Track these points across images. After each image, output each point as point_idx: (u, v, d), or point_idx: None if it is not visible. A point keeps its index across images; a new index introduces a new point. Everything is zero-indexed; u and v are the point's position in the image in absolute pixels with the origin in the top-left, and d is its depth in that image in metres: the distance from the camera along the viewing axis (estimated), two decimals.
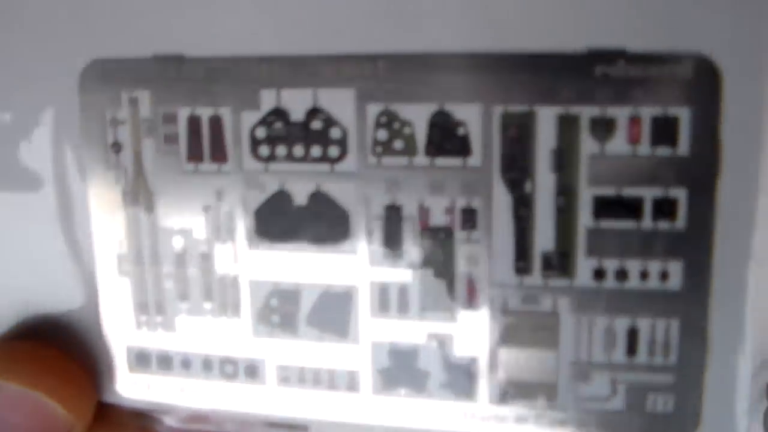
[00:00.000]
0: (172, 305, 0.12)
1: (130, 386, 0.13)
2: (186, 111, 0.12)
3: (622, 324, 0.11)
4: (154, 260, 0.12)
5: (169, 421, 0.13)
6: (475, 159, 0.11)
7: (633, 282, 0.11)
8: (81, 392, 0.13)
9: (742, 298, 0.11)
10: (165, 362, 0.13)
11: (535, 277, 0.11)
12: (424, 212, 0.11)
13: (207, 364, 0.12)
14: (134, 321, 0.13)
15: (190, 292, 0.12)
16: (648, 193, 0.11)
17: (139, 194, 0.12)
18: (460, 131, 0.11)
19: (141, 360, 0.13)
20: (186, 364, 0.12)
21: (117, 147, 0.12)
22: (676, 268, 0.11)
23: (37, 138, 0.12)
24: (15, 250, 0.13)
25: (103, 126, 0.12)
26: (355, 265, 0.12)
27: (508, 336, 0.11)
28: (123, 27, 0.12)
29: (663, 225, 0.11)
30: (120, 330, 0.13)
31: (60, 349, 0.13)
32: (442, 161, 0.11)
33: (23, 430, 0.12)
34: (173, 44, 0.12)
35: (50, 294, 0.13)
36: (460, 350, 0.11)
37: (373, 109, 0.11)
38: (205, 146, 0.12)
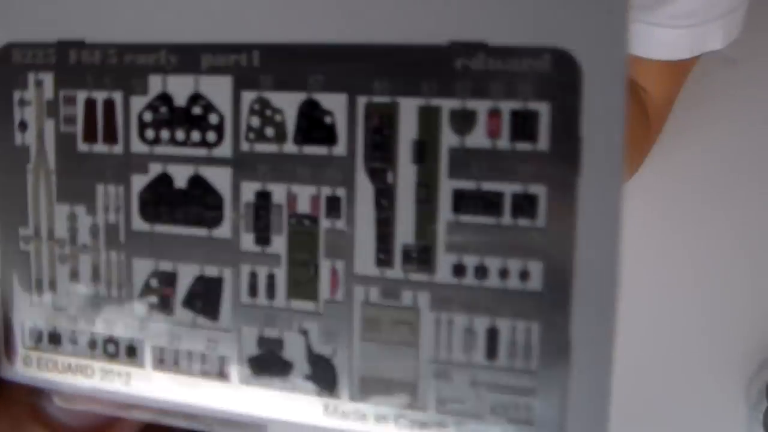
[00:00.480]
0: (65, 283, 0.13)
1: (22, 362, 0.14)
2: (84, 94, 0.12)
3: (482, 323, 0.11)
4: (50, 237, 0.13)
5: (58, 400, 0.13)
6: (340, 148, 0.11)
7: (493, 280, 0.11)
8: None
9: (607, 301, 0.10)
10: (55, 339, 0.13)
11: (396, 271, 0.11)
12: (292, 199, 0.11)
13: (92, 343, 0.13)
14: (29, 298, 0.13)
15: (81, 270, 0.13)
16: (508, 189, 0.10)
17: (40, 172, 0.13)
18: (327, 120, 0.11)
19: (33, 336, 0.13)
20: (73, 341, 0.13)
21: (23, 126, 0.13)
22: (536, 268, 0.10)
23: None
24: None
25: (11, 106, 0.13)
26: (227, 249, 0.12)
27: (368, 330, 0.11)
28: (33, 13, 0.12)
29: (523, 222, 0.10)
30: (16, 306, 0.13)
31: None
32: (309, 149, 0.11)
33: None
34: (77, 30, 0.12)
35: None
36: (323, 342, 0.12)
37: (248, 97, 0.11)
38: (99, 128, 0.12)
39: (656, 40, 0.31)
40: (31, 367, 0.13)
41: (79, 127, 0.12)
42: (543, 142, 0.10)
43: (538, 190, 0.10)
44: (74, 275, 0.13)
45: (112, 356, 0.13)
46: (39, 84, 0.13)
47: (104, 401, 0.13)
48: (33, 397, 0.13)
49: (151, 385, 0.13)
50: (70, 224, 0.13)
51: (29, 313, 0.13)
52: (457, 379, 0.11)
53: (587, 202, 0.10)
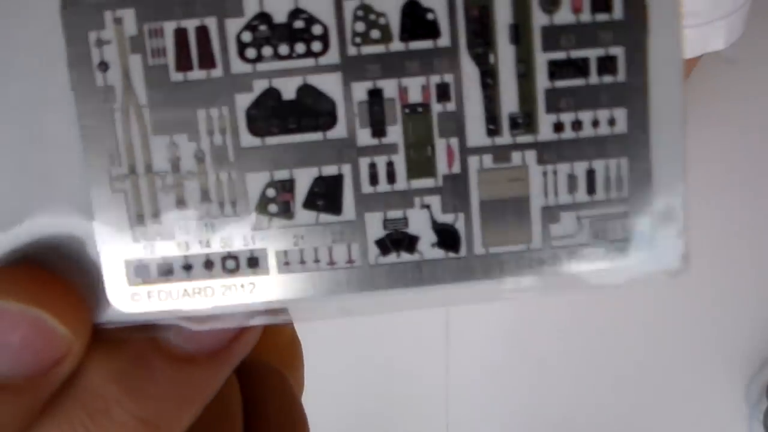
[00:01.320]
0: (170, 212, 0.19)
1: (130, 300, 0.19)
2: (172, 24, 0.18)
3: (581, 167, 0.19)
4: (147, 171, 0.19)
5: (181, 323, 0.19)
6: (444, 40, 0.18)
7: (587, 130, 0.18)
8: (78, 311, 0.19)
9: (677, 135, 0.18)
10: (165, 270, 0.19)
11: (505, 137, 0.19)
12: (403, 91, 0.18)
13: (208, 264, 0.19)
14: (130, 235, 0.19)
15: (188, 196, 0.19)
16: (592, 53, 0.18)
17: (129, 109, 0.18)
18: (430, 17, 0.18)
19: (140, 272, 0.19)
20: (187, 267, 0.19)
21: (104, 66, 0.18)
22: (621, 115, 0.18)
23: (22, 65, 0.18)
24: (7, 175, 0.19)
25: (87, 48, 0.18)
26: (345, 147, 0.18)
27: (485, 192, 0.19)
28: None
29: (607, 79, 0.18)
30: (116, 246, 0.19)
31: (55, 270, 0.19)
32: (415, 44, 0.18)
33: (22, 349, 0.18)
34: None
35: (43, 216, 0.19)
36: (446, 212, 0.19)
37: (350, 5, 0.18)
38: (193, 56, 0.18)
39: None
40: (141, 303, 0.19)
41: (171, 58, 0.18)
42: (617, 12, 0.18)
43: (617, 51, 0.18)
44: (181, 202, 0.19)
45: (233, 271, 0.19)
46: (118, 21, 0.18)
47: (228, 317, 0.19)
48: (150, 331, 0.19)
49: (278, 289, 0.19)
50: (170, 154, 0.19)
51: (131, 250, 0.19)
52: (565, 217, 0.19)
53: (656, 56, 0.18)
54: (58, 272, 0.20)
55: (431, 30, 0.19)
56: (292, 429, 0.28)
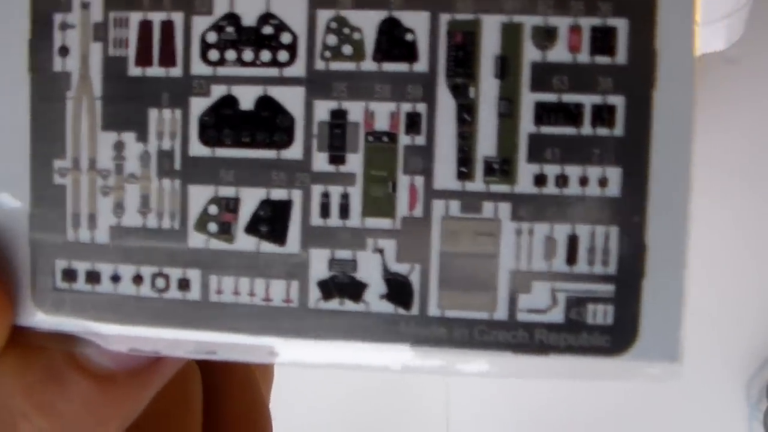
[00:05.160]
0: (107, 216, 0.19)
1: (52, 306, 0.19)
2: (138, 15, 0.18)
3: (562, 231, 0.17)
4: (91, 167, 0.19)
5: (98, 340, 0.19)
6: (421, 65, 0.18)
7: (573, 188, 0.17)
8: None
9: (681, 203, 0.17)
10: (93, 278, 0.19)
11: (478, 183, 0.17)
12: (369, 116, 0.18)
13: (137, 279, 0.19)
14: (64, 234, 0.19)
15: (127, 202, 0.19)
16: (588, 100, 0.17)
17: (82, 99, 0.19)
18: (409, 37, 0.17)
19: (67, 277, 0.19)
20: (115, 278, 0.19)
21: (64, 51, 0.19)
22: (614, 175, 0.17)
23: None
24: None
25: (51, 30, 0.18)
26: (298, 171, 0.18)
27: (448, 244, 0.18)
28: None
29: (602, 131, 0.17)
30: (48, 244, 0.19)
31: None
32: (389, 66, 0.18)
33: None
34: None
35: None
36: (400, 259, 0.18)
37: (324, 15, 0.18)
38: (155, 51, 0.18)
39: None
40: (64, 311, 0.19)
41: (132, 51, 0.18)
42: (621, 56, 0.17)
43: (616, 100, 0.17)
44: (119, 207, 0.19)
45: (161, 291, 0.19)
46: (85, 6, 0.18)
47: (150, 340, 0.19)
48: (68, 343, 0.19)
49: (205, 319, 0.18)
50: (116, 153, 0.19)
51: (62, 252, 0.19)
52: (537, 287, 0.18)
53: (662, 111, 0.17)
54: None
55: (408, 52, 0.18)
56: (254, 421, 0.27)
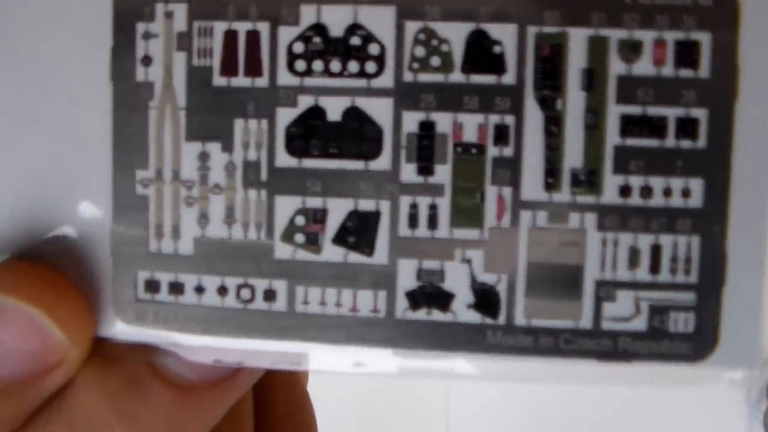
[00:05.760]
0: (191, 227, 0.19)
1: (135, 318, 0.19)
2: (223, 25, 0.18)
3: (645, 241, 0.18)
4: (174, 178, 0.19)
5: (181, 351, 0.19)
6: (509, 77, 0.18)
7: (657, 199, 0.18)
8: (80, 319, 0.19)
9: (761, 213, 0.18)
10: (177, 289, 0.19)
11: (564, 194, 0.18)
12: (458, 128, 0.18)
13: (222, 290, 0.19)
14: (147, 245, 0.19)
15: (212, 212, 0.19)
16: (672, 113, 0.18)
17: (165, 109, 0.19)
18: (497, 50, 0.18)
19: (149, 288, 0.19)
20: (199, 289, 0.19)
21: (147, 60, 0.19)
22: (697, 186, 0.18)
23: (64, 47, 0.19)
24: (27, 166, 0.19)
25: (134, 39, 0.19)
26: (386, 182, 0.18)
27: (534, 254, 0.18)
28: None
29: (686, 143, 0.18)
30: (130, 255, 0.19)
31: (65, 272, 0.19)
32: (477, 78, 0.18)
33: (13, 349, 0.18)
34: None
35: (59, 213, 0.19)
36: (487, 270, 0.18)
37: (412, 27, 0.18)
38: (240, 61, 0.19)
39: None
40: (146, 322, 0.19)
41: (216, 60, 0.19)
42: (704, 70, 0.18)
43: (700, 113, 0.18)
44: (203, 218, 0.19)
45: (247, 301, 0.19)
46: (169, 15, 0.19)
47: (233, 351, 0.19)
48: (148, 354, 0.19)
49: (292, 330, 0.19)
50: (200, 163, 0.19)
51: (145, 263, 0.19)
52: (621, 296, 0.18)
53: (744, 124, 0.18)
54: (69, 275, 0.20)
55: (496, 64, 0.19)
56: (301, 422, 0.28)
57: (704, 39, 0.18)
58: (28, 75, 0.20)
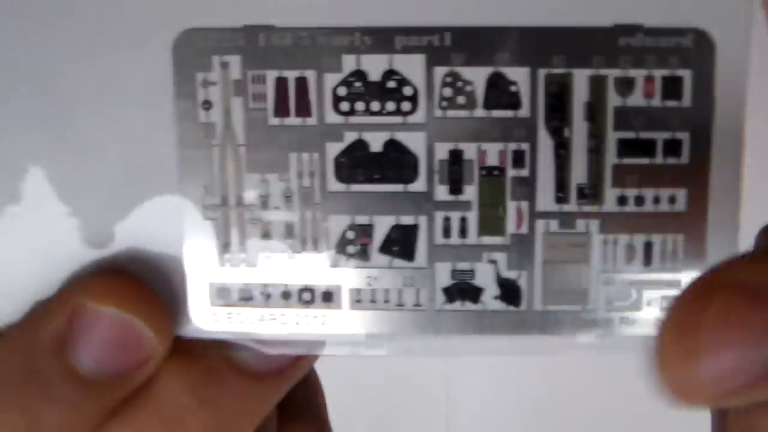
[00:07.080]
0: (255, 242, 0.23)
1: (211, 319, 0.23)
2: (274, 73, 0.22)
3: (639, 240, 0.22)
4: (238, 203, 0.23)
5: (255, 345, 0.23)
6: (524, 111, 0.22)
7: (648, 206, 0.22)
8: (163, 320, 0.23)
9: (733, 215, 0.22)
10: (246, 295, 0.23)
11: (572, 205, 0.22)
12: (482, 154, 0.22)
13: (286, 294, 0.23)
14: (217, 259, 0.23)
15: (273, 230, 0.23)
16: (659, 136, 0.22)
17: (227, 146, 0.22)
18: (513, 89, 0.22)
19: (222, 294, 0.23)
20: (266, 294, 0.23)
21: (207, 105, 0.22)
22: (681, 194, 0.22)
23: (132, 94, 0.22)
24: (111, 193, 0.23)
25: (194, 86, 0.22)
26: (422, 200, 0.22)
27: (548, 254, 0.22)
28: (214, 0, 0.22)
29: (671, 160, 0.22)
30: (202, 268, 0.23)
31: (145, 282, 0.23)
32: (497, 113, 0.22)
33: (113, 349, 0.22)
34: (261, 15, 0.22)
35: (140, 234, 0.23)
36: (510, 268, 0.23)
37: (440, 72, 0.22)
38: (291, 103, 0.22)
39: None
40: (220, 322, 0.23)
41: (270, 103, 0.22)
42: (686, 100, 0.22)
43: (683, 136, 0.22)
44: (266, 235, 0.23)
45: (308, 303, 0.23)
46: (225, 66, 0.22)
47: (298, 344, 0.23)
48: (223, 349, 0.23)
49: (348, 324, 0.23)
50: (261, 190, 0.23)
51: (216, 274, 0.23)
52: (620, 284, 0.23)
53: (719, 143, 0.22)
54: (148, 284, 0.24)
55: (513, 101, 0.22)
56: (316, 404, 0.32)
57: (686, 75, 0.22)
58: (99, 119, 0.23)
